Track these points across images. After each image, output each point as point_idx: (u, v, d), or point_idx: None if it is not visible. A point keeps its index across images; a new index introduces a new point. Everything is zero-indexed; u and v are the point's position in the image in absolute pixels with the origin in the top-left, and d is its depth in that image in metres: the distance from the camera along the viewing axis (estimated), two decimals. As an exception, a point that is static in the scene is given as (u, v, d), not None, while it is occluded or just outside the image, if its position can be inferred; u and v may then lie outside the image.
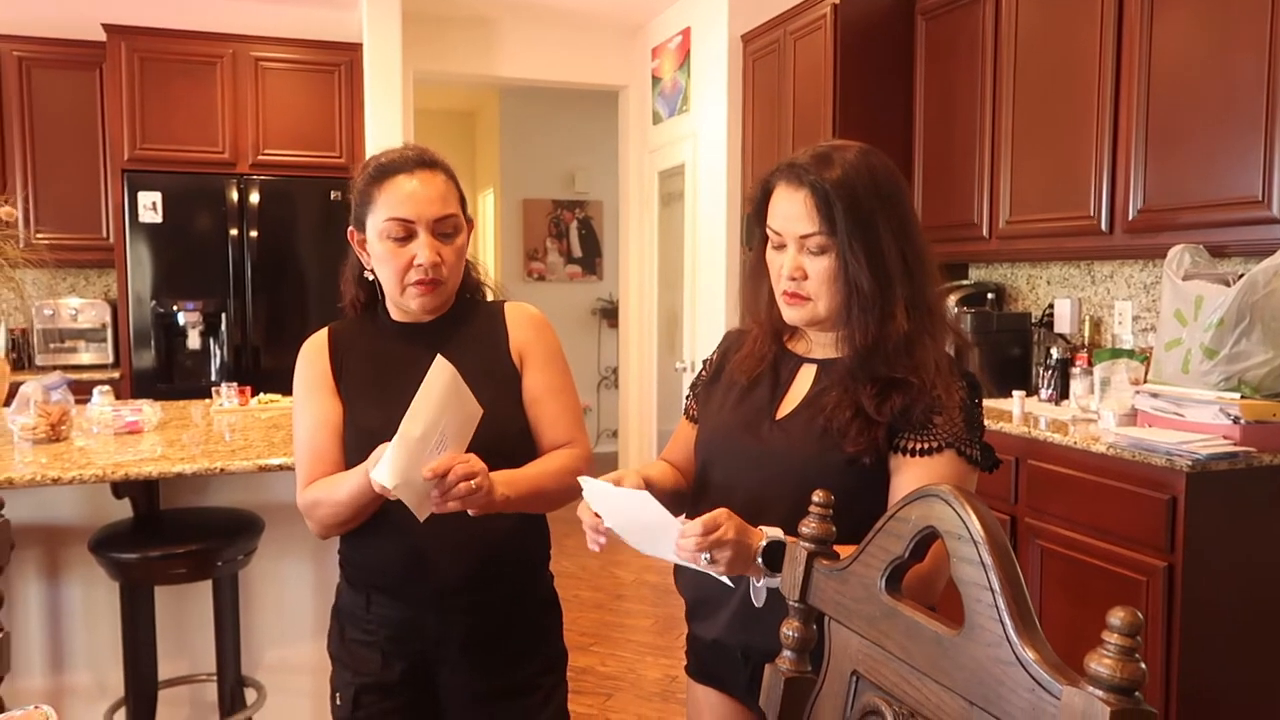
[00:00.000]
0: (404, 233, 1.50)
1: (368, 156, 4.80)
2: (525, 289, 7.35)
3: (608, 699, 3.27)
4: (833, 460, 1.32)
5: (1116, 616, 0.69)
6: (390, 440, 1.33)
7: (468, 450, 1.40)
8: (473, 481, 1.34)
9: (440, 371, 1.35)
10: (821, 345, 1.43)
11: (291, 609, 2.67)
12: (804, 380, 1.42)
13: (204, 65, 4.64)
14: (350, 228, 1.58)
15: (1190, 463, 2.27)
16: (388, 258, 1.51)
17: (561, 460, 1.56)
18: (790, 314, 1.39)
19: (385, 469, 1.31)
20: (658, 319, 5.73)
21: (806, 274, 1.34)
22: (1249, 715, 2.42)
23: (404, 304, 1.56)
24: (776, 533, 1.22)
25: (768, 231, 1.39)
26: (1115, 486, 2.47)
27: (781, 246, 1.37)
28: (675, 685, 3.37)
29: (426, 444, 1.33)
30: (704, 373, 1.57)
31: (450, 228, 1.54)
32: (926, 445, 1.30)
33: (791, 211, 1.34)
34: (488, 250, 7.61)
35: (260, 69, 4.71)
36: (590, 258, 7.59)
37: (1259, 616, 2.39)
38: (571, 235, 7.55)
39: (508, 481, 1.44)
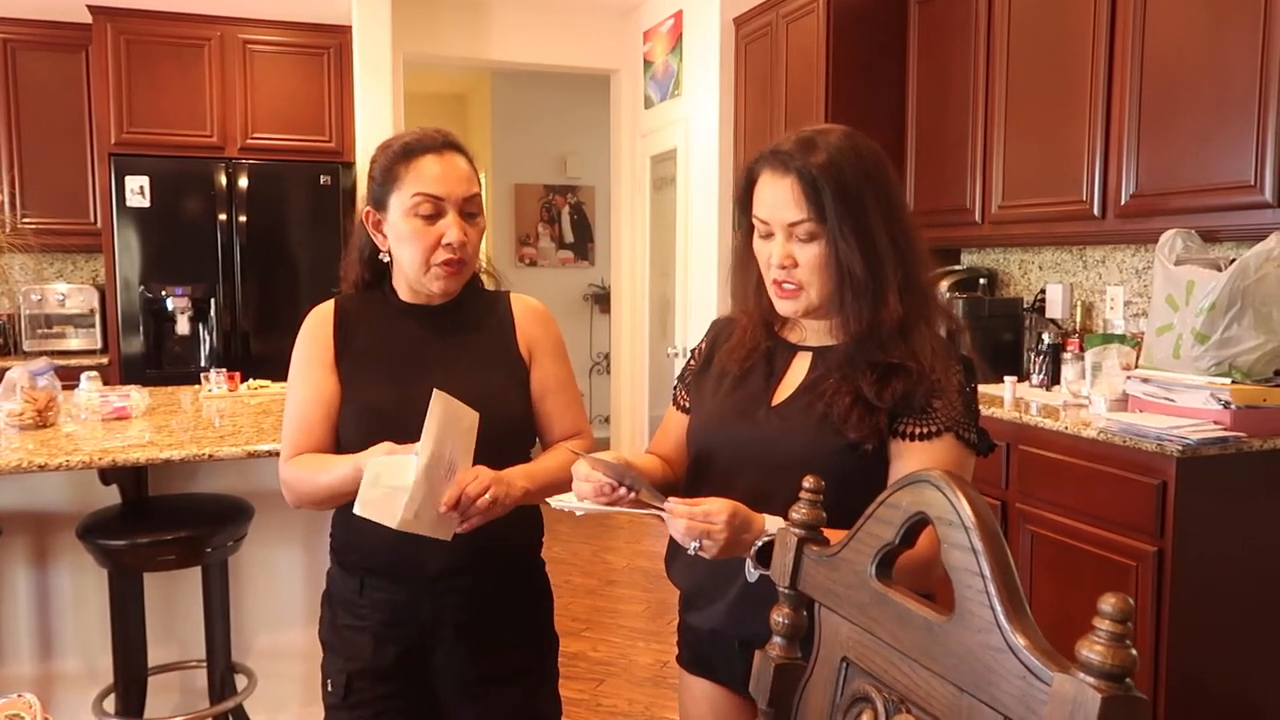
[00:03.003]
0: (433, 210, 1.50)
1: (359, 144, 4.68)
2: (517, 274, 7.32)
3: (599, 684, 3.27)
4: (833, 445, 1.31)
5: (1108, 603, 0.69)
6: (392, 436, 1.39)
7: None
8: (486, 496, 1.38)
9: (437, 403, 1.34)
10: (816, 333, 1.42)
11: (282, 595, 2.66)
12: (799, 368, 1.41)
13: (191, 48, 4.59)
14: (366, 208, 1.57)
15: (1180, 448, 2.27)
16: (414, 236, 1.51)
17: (574, 446, 1.58)
18: (783, 306, 1.37)
19: (399, 512, 1.33)
20: (650, 304, 5.72)
21: (796, 262, 1.33)
22: (1238, 699, 2.43)
23: (425, 285, 1.55)
24: (777, 525, 1.21)
25: (754, 220, 1.38)
26: (1106, 471, 2.47)
27: (769, 235, 1.35)
28: (667, 671, 3.38)
29: (437, 475, 1.35)
30: (692, 362, 1.56)
31: (476, 208, 1.55)
32: (926, 429, 1.30)
33: (778, 199, 1.32)
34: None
35: (248, 52, 4.67)
36: (582, 243, 7.56)
37: (1248, 601, 2.40)
38: (563, 220, 7.52)
39: (527, 474, 1.49)
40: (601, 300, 7.27)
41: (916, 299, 1.34)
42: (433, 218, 1.50)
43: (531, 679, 1.63)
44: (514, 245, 7.41)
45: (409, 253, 1.52)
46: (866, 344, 1.33)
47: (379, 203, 1.55)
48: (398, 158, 1.53)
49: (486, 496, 1.38)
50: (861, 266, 1.29)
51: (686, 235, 5.07)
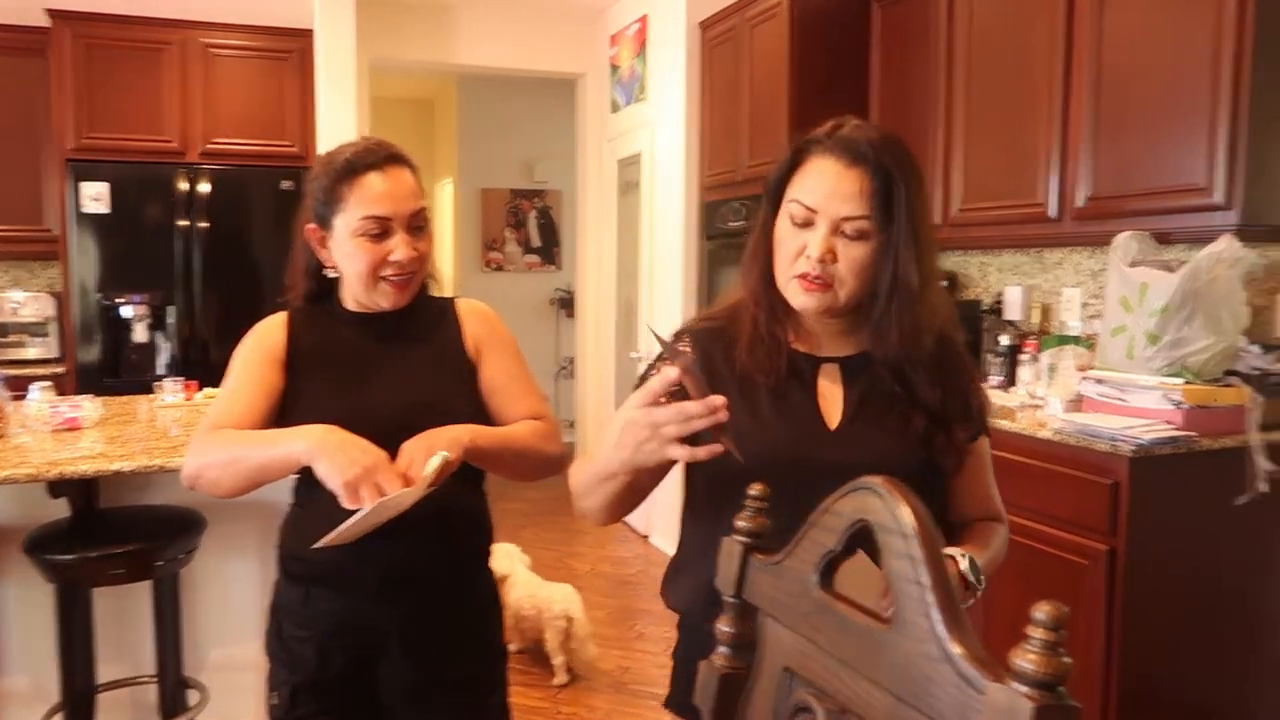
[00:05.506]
0: (380, 230, 1.49)
1: (321, 149, 4.61)
2: (483, 279, 7.29)
3: (559, 691, 3.25)
4: (912, 465, 1.22)
5: (1041, 610, 0.68)
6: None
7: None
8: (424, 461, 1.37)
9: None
10: (831, 339, 1.31)
11: (235, 608, 2.62)
12: (830, 382, 1.29)
13: (152, 52, 4.52)
14: (310, 225, 1.55)
15: (1133, 448, 2.29)
16: (360, 254, 1.50)
17: (531, 425, 1.58)
18: (802, 300, 1.24)
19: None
20: (615, 309, 5.71)
21: (836, 257, 1.21)
22: (1189, 697, 2.46)
23: (374, 300, 1.55)
24: (955, 552, 1.19)
25: (792, 204, 1.23)
26: (1061, 472, 2.49)
27: (808, 223, 1.22)
28: (627, 676, 3.36)
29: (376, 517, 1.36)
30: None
31: (423, 220, 1.55)
32: (975, 430, 1.33)
33: (838, 189, 1.20)
34: (445, 241, 7.53)
35: (210, 56, 4.61)
36: (549, 247, 7.54)
37: (1199, 599, 2.43)
38: (530, 225, 7.50)
39: (476, 430, 1.47)
40: (568, 304, 7.25)
41: (943, 306, 1.32)
42: (380, 237, 1.50)
43: (481, 689, 1.62)
44: (480, 250, 7.37)
45: (357, 270, 1.52)
46: (910, 357, 1.25)
47: (323, 221, 1.53)
48: (341, 176, 1.50)
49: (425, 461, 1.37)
50: (917, 276, 1.21)
51: (651, 240, 5.07)
